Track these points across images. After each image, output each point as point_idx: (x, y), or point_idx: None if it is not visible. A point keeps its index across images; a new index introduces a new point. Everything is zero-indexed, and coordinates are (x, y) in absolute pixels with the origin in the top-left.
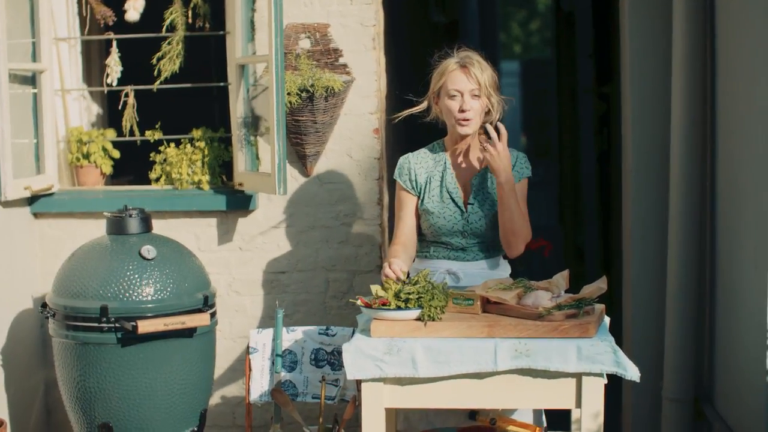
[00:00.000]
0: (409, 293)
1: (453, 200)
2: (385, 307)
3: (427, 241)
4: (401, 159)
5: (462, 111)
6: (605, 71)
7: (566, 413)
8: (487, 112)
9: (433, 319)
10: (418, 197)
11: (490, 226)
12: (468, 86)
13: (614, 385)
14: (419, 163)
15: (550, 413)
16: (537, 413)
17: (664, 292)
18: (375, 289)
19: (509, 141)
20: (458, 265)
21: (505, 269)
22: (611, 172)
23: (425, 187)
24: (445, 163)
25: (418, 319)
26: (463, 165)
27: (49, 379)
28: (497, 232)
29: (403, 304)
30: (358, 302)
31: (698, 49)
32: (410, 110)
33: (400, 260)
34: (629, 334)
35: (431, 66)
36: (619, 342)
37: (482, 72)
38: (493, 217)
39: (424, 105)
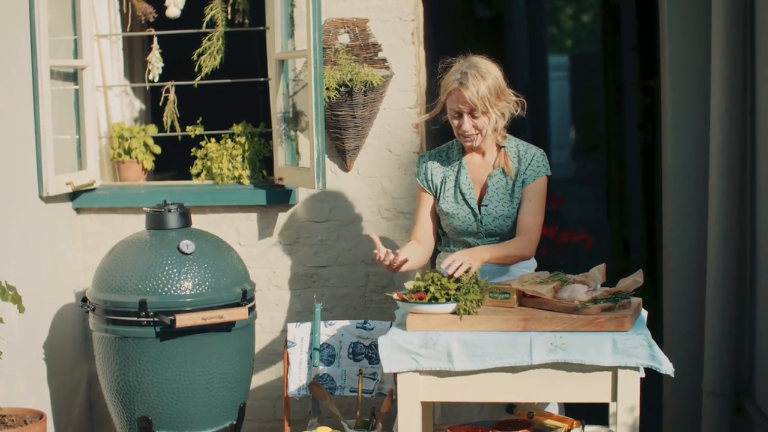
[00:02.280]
0: (447, 287)
1: (466, 201)
2: (420, 301)
3: (449, 238)
4: (420, 158)
5: (462, 129)
6: (650, 64)
7: (604, 407)
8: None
9: (469, 313)
10: (435, 197)
11: (506, 225)
12: (466, 106)
13: (655, 379)
14: (436, 163)
15: (587, 407)
16: (559, 407)
17: (704, 286)
18: (415, 281)
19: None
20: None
21: (526, 266)
22: (656, 166)
23: (441, 187)
24: (460, 162)
25: (454, 312)
26: (480, 164)
27: (92, 373)
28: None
29: (440, 295)
30: (395, 296)
31: (738, 42)
32: (427, 115)
33: (404, 251)
34: (669, 327)
35: (439, 72)
36: (659, 335)
37: (479, 88)
38: (510, 217)
39: (437, 110)
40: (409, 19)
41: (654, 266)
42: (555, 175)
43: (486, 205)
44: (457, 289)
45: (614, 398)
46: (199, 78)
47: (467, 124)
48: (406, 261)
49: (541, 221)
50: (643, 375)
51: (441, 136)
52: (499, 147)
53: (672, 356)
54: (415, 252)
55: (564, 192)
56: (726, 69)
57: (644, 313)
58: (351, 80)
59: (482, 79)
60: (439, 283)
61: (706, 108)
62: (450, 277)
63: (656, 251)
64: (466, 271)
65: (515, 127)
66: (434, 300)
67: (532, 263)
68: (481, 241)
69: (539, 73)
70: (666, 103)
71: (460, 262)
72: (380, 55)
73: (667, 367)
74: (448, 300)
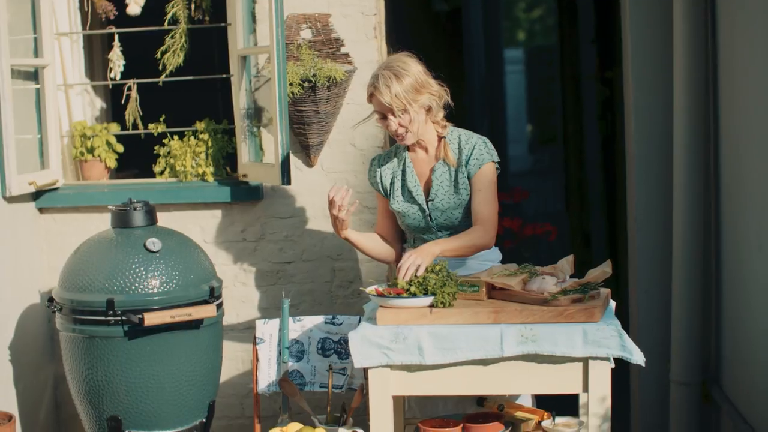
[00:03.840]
0: (426, 282)
1: (414, 198)
2: (398, 296)
3: (409, 235)
4: (371, 161)
5: (390, 129)
6: (608, 57)
7: (574, 398)
8: (428, 110)
9: (446, 306)
10: (387, 197)
11: (458, 216)
12: (385, 108)
13: (622, 369)
14: (384, 164)
15: (558, 398)
16: (532, 399)
17: (670, 276)
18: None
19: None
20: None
21: (492, 255)
22: (616, 157)
23: (390, 187)
24: (405, 160)
25: (432, 306)
26: (424, 159)
27: (58, 373)
28: (470, 220)
29: (419, 291)
30: (369, 291)
31: (699, 32)
32: (364, 120)
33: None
34: (636, 318)
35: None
36: (625, 326)
37: (393, 89)
38: (457, 208)
39: (371, 115)
40: (371, 13)
41: (615, 257)
42: (513, 169)
43: (432, 200)
44: (434, 282)
45: (585, 389)
46: (164, 76)
47: (393, 124)
48: (351, 208)
49: (495, 209)
50: (613, 365)
51: None
52: (440, 138)
53: (639, 346)
54: (373, 239)
55: (522, 184)
56: (688, 58)
57: (613, 303)
58: (314, 75)
59: (396, 78)
60: (419, 281)
61: (669, 97)
62: (410, 282)
63: (617, 242)
64: (416, 271)
65: (473, 123)
66: (412, 296)
67: (496, 255)
68: (435, 236)
69: (496, 67)
70: (629, 93)
71: (407, 264)
72: (343, 50)
73: (637, 357)
74: (425, 294)
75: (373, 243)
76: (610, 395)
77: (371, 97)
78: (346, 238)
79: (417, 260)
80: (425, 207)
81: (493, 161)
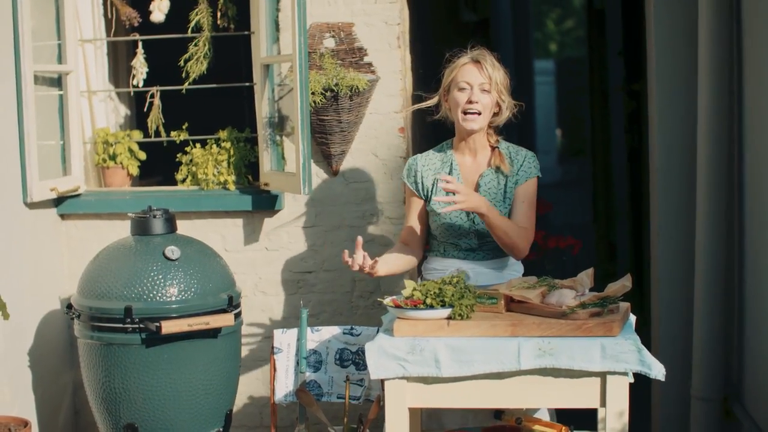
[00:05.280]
0: (443, 293)
1: None
2: (415, 308)
3: (439, 241)
4: (409, 160)
5: (470, 102)
6: (635, 69)
7: (593, 412)
8: (496, 114)
9: (464, 318)
10: (425, 199)
11: None
12: (478, 79)
13: (642, 383)
14: (426, 165)
15: (577, 413)
16: (550, 413)
17: (692, 290)
18: (410, 285)
19: (533, 139)
20: (469, 265)
21: (517, 268)
22: (642, 170)
23: (432, 188)
24: (452, 163)
25: (449, 318)
26: (471, 165)
27: (77, 380)
28: None
29: (436, 303)
30: (387, 302)
31: (724, 45)
32: (419, 105)
33: (382, 259)
34: (657, 332)
35: (444, 64)
36: (647, 340)
37: (494, 69)
38: (506, 215)
39: (434, 100)
40: (394, 23)
41: (640, 270)
42: (542, 180)
43: None
44: (452, 294)
45: (603, 404)
46: (187, 83)
47: (476, 94)
48: (375, 264)
49: (534, 222)
50: (632, 380)
51: (425, 144)
52: (493, 148)
53: (660, 361)
54: (398, 258)
55: (550, 196)
56: (713, 72)
57: (633, 318)
58: (337, 85)
59: (497, 64)
60: (435, 292)
61: (693, 111)
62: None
63: (643, 255)
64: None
65: (503, 130)
66: (429, 307)
67: (519, 267)
68: (472, 242)
69: (525, 78)
70: (653, 106)
71: (456, 199)
72: (366, 59)
73: (657, 372)
74: (443, 306)
75: (398, 264)
76: (630, 410)
77: (465, 66)
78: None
79: (460, 198)
80: (470, 211)
81: (537, 176)
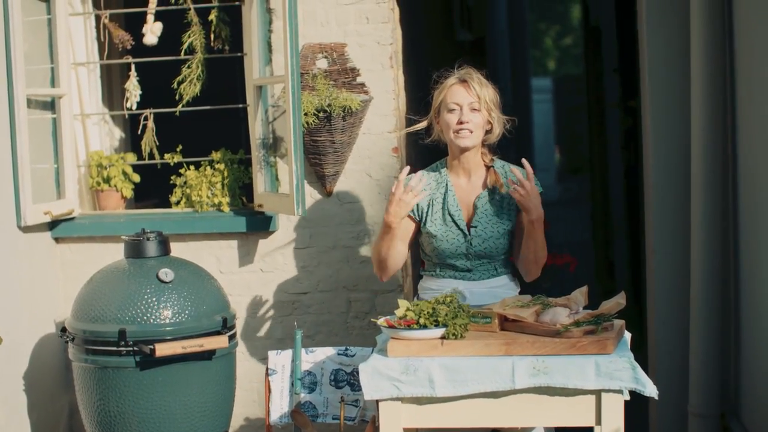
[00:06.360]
0: (437, 313)
1: (455, 223)
2: (408, 328)
3: (434, 263)
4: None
5: (460, 123)
6: (631, 85)
7: (590, 430)
8: (488, 131)
9: (457, 337)
10: (420, 221)
11: (496, 246)
12: (467, 99)
13: (640, 400)
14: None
15: (575, 431)
16: None
17: (688, 307)
18: (403, 305)
19: (531, 157)
20: (465, 284)
21: (513, 288)
22: (639, 187)
23: (428, 210)
24: (447, 184)
25: (443, 337)
26: (466, 186)
27: (73, 403)
28: (504, 252)
29: (429, 323)
30: (380, 322)
31: (717, 61)
32: (411, 128)
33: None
34: (654, 349)
35: (431, 85)
36: (644, 357)
37: (482, 87)
38: (500, 238)
39: (425, 123)
40: (387, 43)
41: (639, 287)
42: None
43: (475, 227)
44: (446, 314)
45: (598, 422)
46: (180, 106)
47: (466, 114)
48: (422, 194)
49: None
50: (627, 398)
51: (420, 164)
52: (487, 167)
53: (657, 378)
54: (403, 242)
55: (549, 214)
56: (706, 89)
57: (627, 335)
58: (329, 105)
59: (486, 82)
60: (428, 312)
61: (687, 128)
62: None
63: (641, 272)
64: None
65: (501, 149)
66: (423, 327)
67: (516, 287)
68: (470, 263)
69: (523, 96)
70: (647, 123)
71: (522, 192)
72: (359, 79)
73: (650, 390)
74: (436, 326)
75: (401, 244)
76: (627, 427)
77: (453, 87)
78: (390, 224)
79: (526, 194)
80: (467, 233)
81: (540, 192)
